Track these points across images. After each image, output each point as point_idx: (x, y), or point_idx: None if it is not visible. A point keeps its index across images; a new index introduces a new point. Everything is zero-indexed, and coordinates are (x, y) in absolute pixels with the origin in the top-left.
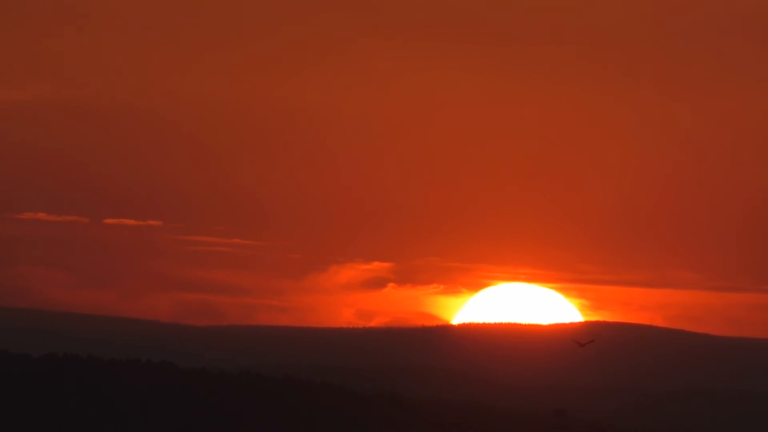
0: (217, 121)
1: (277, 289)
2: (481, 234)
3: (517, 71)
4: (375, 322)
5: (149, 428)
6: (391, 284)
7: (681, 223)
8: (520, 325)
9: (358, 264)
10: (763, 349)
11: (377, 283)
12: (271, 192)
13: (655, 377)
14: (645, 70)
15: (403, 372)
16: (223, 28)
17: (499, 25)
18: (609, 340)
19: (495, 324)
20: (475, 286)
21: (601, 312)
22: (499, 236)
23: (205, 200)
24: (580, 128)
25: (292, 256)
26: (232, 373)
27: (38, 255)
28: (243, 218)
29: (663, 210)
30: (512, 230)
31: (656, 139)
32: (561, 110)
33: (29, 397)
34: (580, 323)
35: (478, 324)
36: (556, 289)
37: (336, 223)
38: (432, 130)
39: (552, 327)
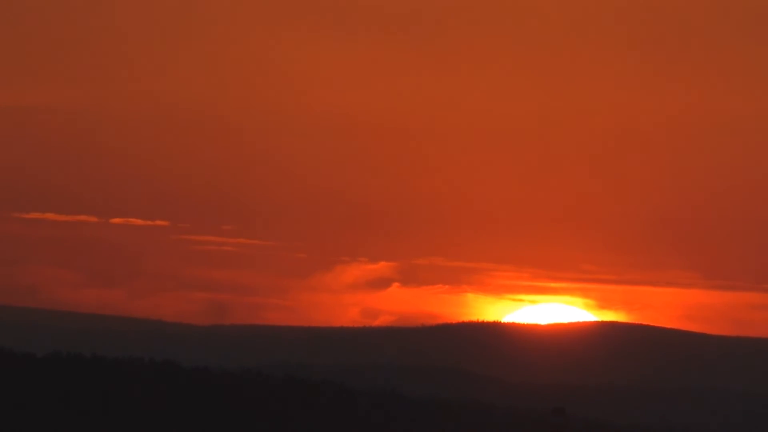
0: (223, 122)
1: (283, 288)
2: (486, 234)
3: (522, 70)
4: (379, 321)
5: (151, 428)
6: (395, 284)
7: (682, 222)
8: (520, 324)
9: (363, 264)
10: (763, 349)
11: (382, 282)
12: (278, 192)
13: (655, 376)
14: (646, 70)
15: (405, 371)
16: (223, 27)
17: (502, 25)
18: (610, 339)
19: (495, 323)
20: (479, 285)
21: (602, 311)
22: (503, 237)
23: (211, 200)
24: (583, 128)
25: (298, 255)
26: (235, 372)
27: (46, 254)
28: (249, 218)
29: (663, 209)
30: (516, 230)
31: (658, 140)
32: (565, 110)
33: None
34: (581, 323)
35: (479, 323)
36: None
37: (342, 222)
38: (438, 130)
39: (552, 326)
